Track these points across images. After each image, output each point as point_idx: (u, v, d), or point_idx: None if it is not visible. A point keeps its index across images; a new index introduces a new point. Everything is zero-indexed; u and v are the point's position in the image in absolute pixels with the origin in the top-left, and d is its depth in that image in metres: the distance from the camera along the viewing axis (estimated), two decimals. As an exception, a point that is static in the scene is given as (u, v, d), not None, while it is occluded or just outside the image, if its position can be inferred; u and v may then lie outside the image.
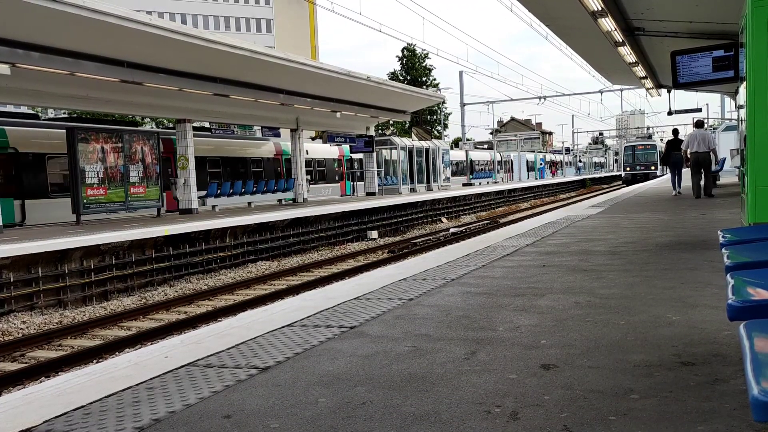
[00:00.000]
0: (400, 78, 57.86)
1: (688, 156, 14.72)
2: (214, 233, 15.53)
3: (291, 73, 19.10)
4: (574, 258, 6.44)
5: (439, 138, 51.03)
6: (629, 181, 45.20)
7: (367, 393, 2.69)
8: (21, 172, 17.09)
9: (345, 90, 22.63)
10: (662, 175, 41.58)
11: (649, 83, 22.46)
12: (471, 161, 45.58)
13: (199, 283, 14.12)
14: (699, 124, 15.88)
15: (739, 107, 8.57)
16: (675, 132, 18.27)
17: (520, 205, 36.87)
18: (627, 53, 16.16)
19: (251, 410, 2.55)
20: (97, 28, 13.07)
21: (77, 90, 15.58)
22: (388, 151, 31.91)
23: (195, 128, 21.31)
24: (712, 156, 14.74)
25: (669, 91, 24.26)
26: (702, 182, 14.72)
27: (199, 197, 19.98)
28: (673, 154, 17.01)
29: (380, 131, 45.18)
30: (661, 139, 65.98)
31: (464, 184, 41.32)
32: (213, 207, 20.90)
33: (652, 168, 45.91)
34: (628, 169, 47.42)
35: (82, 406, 2.69)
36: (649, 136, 57.11)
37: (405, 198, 25.57)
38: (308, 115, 24.36)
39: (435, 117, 60.30)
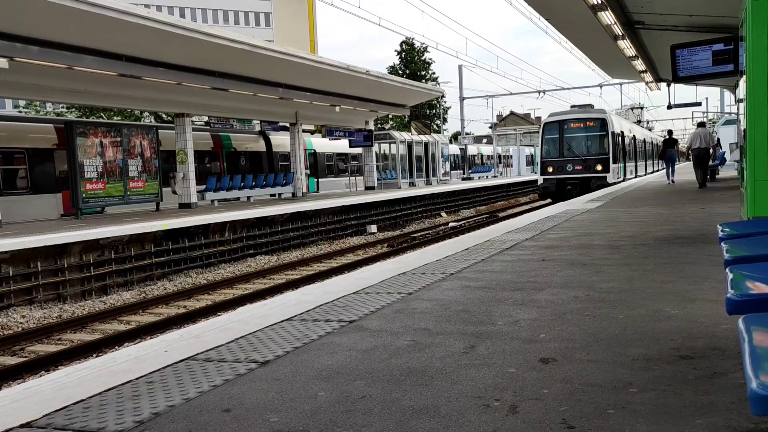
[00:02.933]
0: (399, 72, 57.75)
1: (691, 151, 17.07)
2: (213, 227, 15.53)
3: (290, 67, 19.06)
4: (573, 252, 6.44)
5: (438, 132, 50.98)
6: (552, 194, 23.36)
7: (367, 387, 2.69)
8: None
9: (344, 84, 22.58)
10: (621, 180, 24.55)
11: (648, 77, 22.45)
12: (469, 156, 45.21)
13: (199, 278, 14.13)
14: (701, 124, 18.69)
15: (738, 101, 8.57)
16: (670, 132, 22.36)
17: (519, 199, 36.87)
18: (626, 47, 16.14)
19: (251, 404, 2.56)
20: (96, 21, 13.02)
21: (76, 84, 15.55)
22: (387, 145, 31.88)
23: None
24: (711, 152, 17.30)
25: (668, 85, 24.64)
26: (703, 174, 16.79)
27: (198, 191, 19.97)
28: (669, 151, 20.69)
29: (379, 125, 45.13)
30: (643, 121, 63.26)
31: (464, 178, 41.29)
32: (212, 201, 20.89)
33: (599, 168, 22.87)
34: (550, 169, 23.55)
35: (82, 400, 2.69)
36: (592, 106, 26.35)
37: (404, 192, 25.55)
38: (307, 109, 24.32)
39: (434, 111, 60.21)
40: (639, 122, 48.40)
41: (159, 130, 19.14)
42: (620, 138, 24.97)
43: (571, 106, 25.47)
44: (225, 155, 24.15)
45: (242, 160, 24.96)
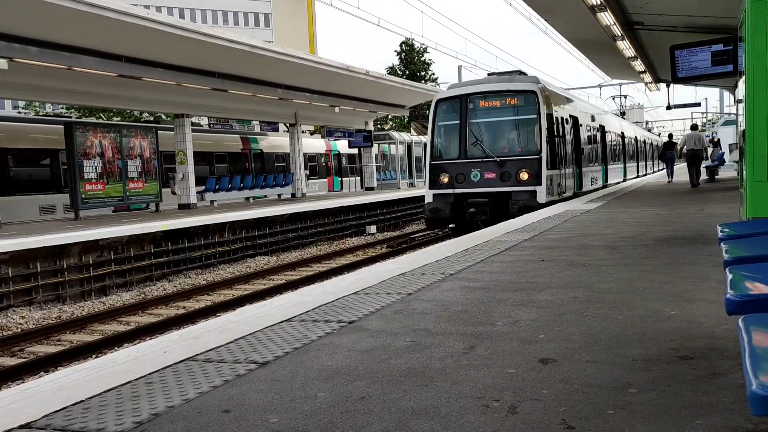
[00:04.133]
0: (399, 72, 57.72)
1: (685, 152, 18.24)
2: (212, 228, 15.52)
3: (289, 67, 19.07)
4: (572, 253, 6.44)
5: (437, 133, 50.79)
6: (446, 220, 14.39)
7: (366, 387, 2.69)
8: None
9: (343, 85, 22.60)
10: (568, 196, 15.54)
11: (648, 78, 22.52)
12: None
13: (198, 278, 14.13)
14: (694, 127, 19.74)
15: (737, 102, 8.58)
16: (670, 136, 23.12)
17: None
18: (626, 47, 16.17)
19: (250, 405, 2.56)
20: (95, 22, 13.03)
21: (75, 85, 15.56)
22: (387, 145, 31.90)
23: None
24: (704, 153, 18.64)
25: (668, 86, 24.86)
26: (696, 174, 18.11)
27: (198, 192, 19.97)
28: (669, 152, 21.84)
29: (379, 126, 45.12)
30: (642, 121, 61.68)
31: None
32: (211, 202, 20.89)
33: (524, 177, 13.70)
34: (444, 179, 14.27)
35: (81, 401, 2.69)
36: (521, 72, 16.33)
37: (404, 193, 25.56)
38: (307, 110, 24.35)
39: (434, 112, 60.06)
40: (623, 115, 38.11)
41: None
42: (569, 127, 15.88)
43: (489, 74, 16.45)
44: (333, 156, 30.70)
45: (344, 160, 31.62)
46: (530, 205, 13.34)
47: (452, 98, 14.62)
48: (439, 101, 14.82)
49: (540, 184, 13.61)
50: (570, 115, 16.26)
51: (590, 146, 19.04)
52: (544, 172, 13.70)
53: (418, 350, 3.22)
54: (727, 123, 34.90)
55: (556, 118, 14.74)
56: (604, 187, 21.07)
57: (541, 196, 13.60)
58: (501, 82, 14.64)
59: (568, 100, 16.99)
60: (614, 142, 24.02)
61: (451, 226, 14.48)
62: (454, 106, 14.48)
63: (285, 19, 78.90)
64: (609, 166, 22.50)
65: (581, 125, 17.42)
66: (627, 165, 27.25)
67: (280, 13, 78.70)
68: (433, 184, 14.42)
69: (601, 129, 21.07)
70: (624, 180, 25.96)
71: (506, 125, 14.45)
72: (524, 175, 13.68)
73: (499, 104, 14.24)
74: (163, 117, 35.35)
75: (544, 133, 13.91)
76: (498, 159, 13.83)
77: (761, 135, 4.93)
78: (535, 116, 13.95)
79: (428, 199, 14.45)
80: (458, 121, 14.31)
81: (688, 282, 4.62)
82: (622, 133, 26.22)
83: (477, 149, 14.09)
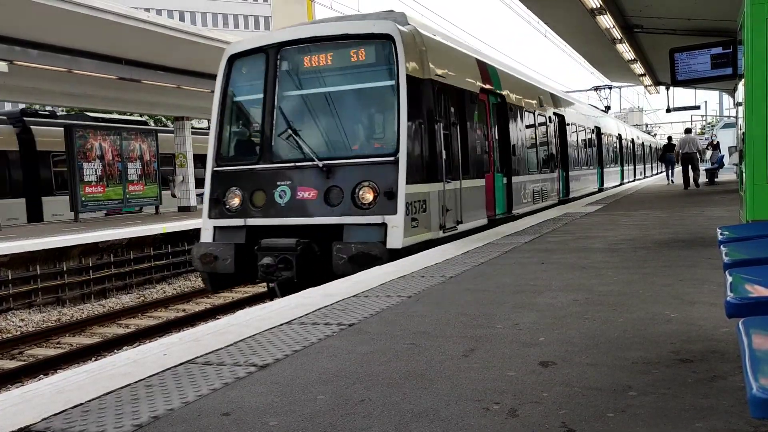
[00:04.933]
0: (399, 75, 57.74)
1: (680, 155, 18.89)
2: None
3: (289, 70, 19.08)
4: (572, 255, 6.44)
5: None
6: (228, 277, 8.08)
7: (366, 390, 2.69)
8: None
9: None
10: (472, 228, 9.09)
11: (647, 80, 22.56)
12: None
13: (198, 281, 14.11)
14: (687, 131, 20.56)
15: (737, 104, 8.57)
16: (669, 139, 24.21)
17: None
18: (625, 50, 16.20)
19: (250, 408, 2.55)
20: (95, 25, 13.05)
21: (75, 87, 15.57)
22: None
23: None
24: (698, 155, 19.11)
25: (667, 89, 25.06)
26: (691, 176, 18.63)
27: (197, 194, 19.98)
28: (668, 155, 22.80)
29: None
30: (649, 131, 62.09)
31: None
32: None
33: (366, 198, 7.53)
34: (232, 201, 8.17)
35: (81, 404, 2.69)
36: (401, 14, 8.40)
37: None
38: (307, 113, 24.36)
39: (433, 114, 60.09)
40: (608, 109, 30.50)
41: None
42: (481, 110, 10.08)
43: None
44: None
45: None
46: (371, 253, 7.31)
47: (253, 53, 8.57)
48: (232, 58, 8.75)
49: (394, 211, 7.56)
50: (484, 90, 10.11)
51: (535, 145, 13.02)
52: (403, 187, 7.60)
53: (418, 353, 3.21)
54: (726, 126, 34.91)
55: (448, 89, 8.71)
56: (564, 201, 15.24)
57: (396, 236, 7.50)
58: (342, 21, 8.72)
59: (486, 67, 10.58)
60: (584, 140, 18.09)
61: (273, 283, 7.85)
62: (255, 67, 8.51)
63: (285, 21, 78.92)
64: (573, 172, 16.30)
65: (511, 110, 11.29)
66: (605, 169, 21.34)
67: (280, 16, 78.79)
68: (215, 207, 8.40)
69: (560, 120, 15.05)
70: (600, 189, 20.30)
71: (342, 101, 8.26)
72: (367, 195, 7.68)
73: (330, 62, 8.09)
74: (163, 120, 35.39)
75: (405, 114, 7.68)
76: (322, 164, 7.81)
77: (761, 138, 4.92)
78: (391, 83, 7.86)
79: (204, 236, 8.40)
80: (261, 95, 8.38)
81: (688, 285, 4.62)
82: (597, 128, 20.12)
83: (289, 146, 8.17)
